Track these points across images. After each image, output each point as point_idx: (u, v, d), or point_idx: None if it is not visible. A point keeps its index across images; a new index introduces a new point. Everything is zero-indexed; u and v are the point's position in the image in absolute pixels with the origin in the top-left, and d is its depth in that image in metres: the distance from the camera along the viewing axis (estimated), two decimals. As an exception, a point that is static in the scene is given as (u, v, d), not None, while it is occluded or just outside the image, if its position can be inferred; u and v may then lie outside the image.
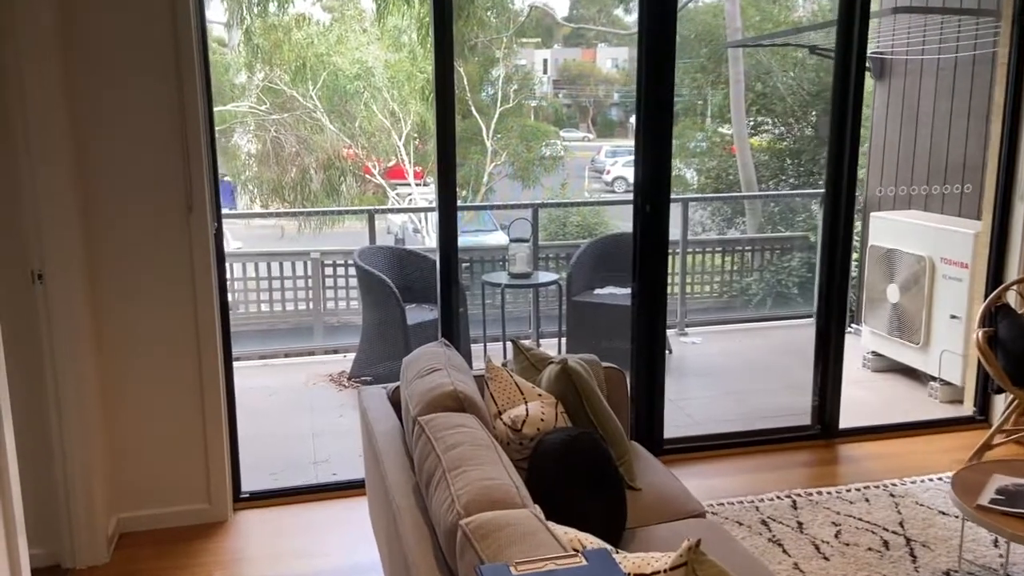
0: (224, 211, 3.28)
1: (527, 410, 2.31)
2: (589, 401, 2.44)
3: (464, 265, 7.61)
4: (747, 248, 7.65)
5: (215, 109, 3.34)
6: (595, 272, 5.82)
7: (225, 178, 13.59)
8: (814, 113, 9.51)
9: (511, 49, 13.44)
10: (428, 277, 5.39)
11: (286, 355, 5.80)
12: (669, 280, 3.80)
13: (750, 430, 4.03)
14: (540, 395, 2.44)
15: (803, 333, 6.46)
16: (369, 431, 2.55)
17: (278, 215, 8.63)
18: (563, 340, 5.57)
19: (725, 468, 3.76)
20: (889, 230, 4.97)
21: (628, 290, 5.91)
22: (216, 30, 13.02)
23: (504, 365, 2.72)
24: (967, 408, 4.34)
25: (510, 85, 14.06)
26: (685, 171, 12.75)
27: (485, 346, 5.62)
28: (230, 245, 11.34)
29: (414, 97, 12.34)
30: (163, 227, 3.05)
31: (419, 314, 5.17)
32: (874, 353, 5.14)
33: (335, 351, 5.82)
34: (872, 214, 5.22)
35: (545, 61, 16.11)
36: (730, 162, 9.36)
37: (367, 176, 12.70)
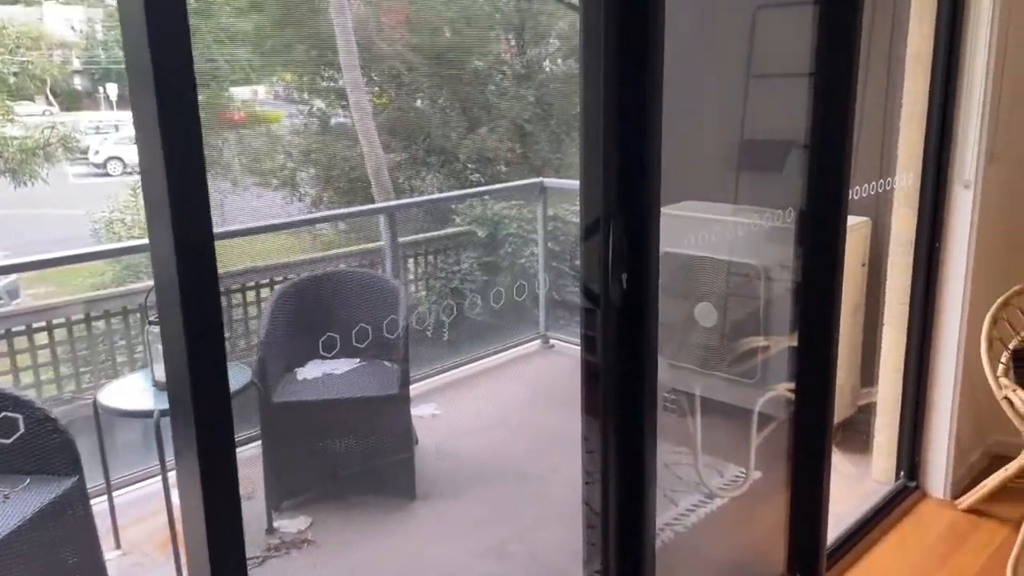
0: None
1: None
2: None
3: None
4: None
5: None
6: (292, 340, 3.55)
7: None
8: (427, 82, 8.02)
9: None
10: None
11: None
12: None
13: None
14: None
15: (533, 362, 5.04)
16: None
17: None
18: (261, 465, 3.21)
19: None
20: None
21: (347, 362, 3.72)
22: None
23: None
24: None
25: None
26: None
27: (112, 506, 3.02)
28: None
29: None
30: None
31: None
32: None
33: None
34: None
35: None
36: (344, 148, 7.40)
37: None
